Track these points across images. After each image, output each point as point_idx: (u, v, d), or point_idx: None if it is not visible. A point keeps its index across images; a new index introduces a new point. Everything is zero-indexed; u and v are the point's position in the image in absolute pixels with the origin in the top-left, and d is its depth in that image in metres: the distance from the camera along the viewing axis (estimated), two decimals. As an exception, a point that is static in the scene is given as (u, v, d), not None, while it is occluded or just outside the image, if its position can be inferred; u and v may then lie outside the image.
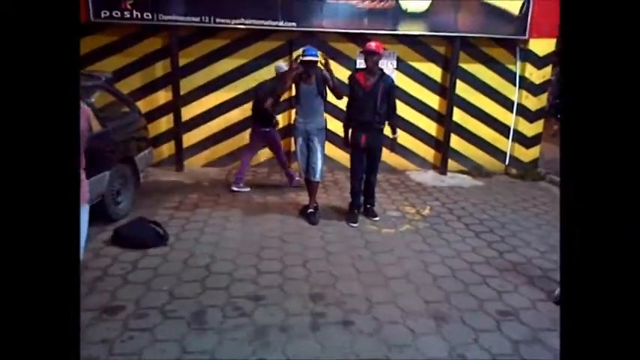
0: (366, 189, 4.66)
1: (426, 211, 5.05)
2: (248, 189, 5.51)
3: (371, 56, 4.19)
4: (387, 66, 6.35)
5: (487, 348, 2.65)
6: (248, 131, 6.44)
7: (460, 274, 3.56)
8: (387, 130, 4.52)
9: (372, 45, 4.21)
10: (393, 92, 4.37)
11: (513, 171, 6.77)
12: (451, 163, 6.74)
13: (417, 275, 3.52)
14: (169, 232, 4.06)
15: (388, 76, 4.36)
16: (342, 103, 4.63)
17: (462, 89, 6.56)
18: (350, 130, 4.51)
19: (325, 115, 4.62)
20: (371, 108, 4.25)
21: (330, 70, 4.29)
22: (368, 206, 4.74)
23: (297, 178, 5.60)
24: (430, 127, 6.74)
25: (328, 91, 4.44)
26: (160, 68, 6.19)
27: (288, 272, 3.48)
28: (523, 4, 6.09)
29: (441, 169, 6.69)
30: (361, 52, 4.46)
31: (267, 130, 5.36)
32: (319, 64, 4.32)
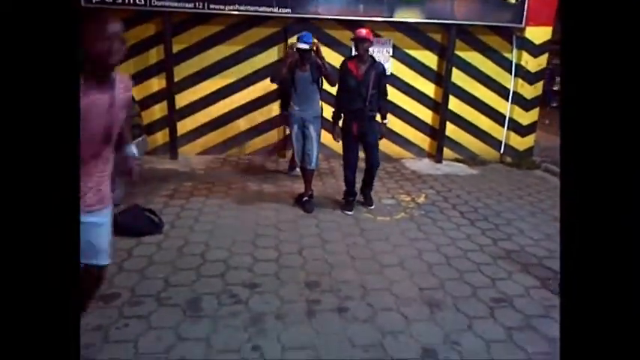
0: (365, 177, 4.65)
1: (421, 199, 5.06)
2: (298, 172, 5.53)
3: (362, 43, 4.16)
4: (383, 53, 6.31)
5: (481, 334, 2.67)
6: (243, 118, 6.44)
7: (454, 262, 3.58)
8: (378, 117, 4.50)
9: (363, 32, 4.18)
10: (384, 79, 4.34)
11: (508, 159, 6.79)
12: (446, 152, 6.75)
13: (412, 263, 3.54)
14: (164, 220, 4.05)
15: (379, 63, 4.33)
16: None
17: (457, 77, 6.54)
18: (341, 119, 4.48)
19: (321, 102, 4.60)
20: (362, 96, 4.22)
21: (322, 58, 4.27)
22: (365, 192, 4.73)
23: (297, 169, 5.60)
24: (426, 115, 6.72)
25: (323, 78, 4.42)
26: (153, 55, 6.12)
27: (283, 260, 3.49)
28: (520, -9, 6.06)
29: (437, 157, 6.70)
30: (352, 39, 4.42)
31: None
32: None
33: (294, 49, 4.30)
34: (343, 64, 4.38)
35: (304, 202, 4.58)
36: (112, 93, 1.89)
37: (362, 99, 4.23)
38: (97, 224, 2.07)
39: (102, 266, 2.15)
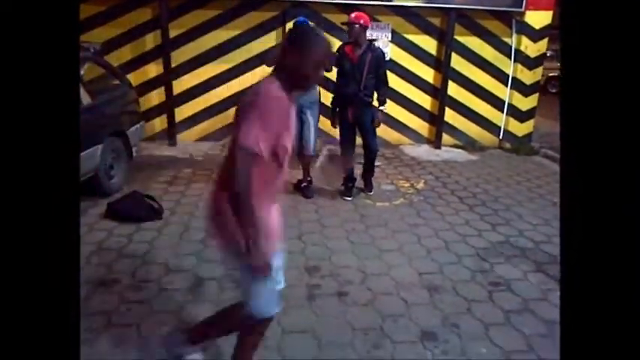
0: (364, 163, 4.64)
1: (420, 185, 5.07)
2: None
3: (350, 27, 4.17)
4: (382, 38, 6.26)
5: (479, 317, 2.71)
6: (241, 105, 6.39)
7: (453, 247, 3.60)
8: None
9: (352, 16, 4.21)
10: (382, 64, 4.30)
11: (507, 145, 6.79)
12: (445, 138, 6.74)
13: (411, 248, 3.56)
14: (164, 206, 4.05)
15: (377, 48, 4.31)
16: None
17: (457, 62, 6.49)
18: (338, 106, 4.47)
19: (319, 88, 4.57)
20: (357, 80, 4.21)
21: None
22: (366, 177, 4.72)
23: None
24: (425, 100, 6.70)
25: None
26: (150, 40, 6.05)
27: (283, 245, 3.50)
28: (520, -26, 5.99)
29: (436, 143, 6.69)
30: (342, 23, 4.43)
31: None
32: None
33: None
34: (340, 47, 4.36)
35: (303, 188, 4.58)
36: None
37: (356, 83, 4.21)
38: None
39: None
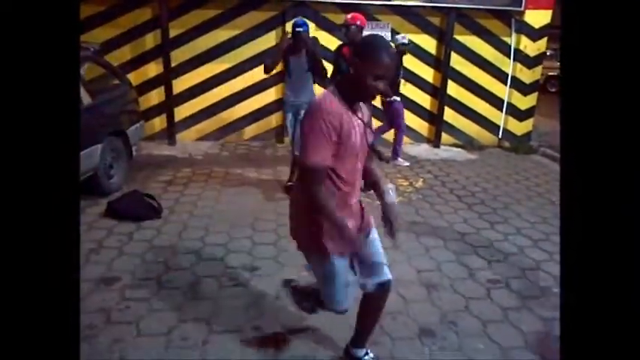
0: None
1: (419, 184, 5.08)
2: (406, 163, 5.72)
3: (347, 29, 4.23)
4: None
5: (477, 314, 2.72)
6: (241, 104, 6.41)
7: (451, 245, 3.62)
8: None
9: (348, 17, 4.28)
10: None
11: (506, 144, 6.80)
12: (445, 137, 6.75)
13: (409, 245, 3.57)
14: (163, 205, 4.07)
15: None
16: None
17: (456, 62, 6.51)
18: None
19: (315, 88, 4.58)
20: None
21: (317, 45, 4.33)
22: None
23: (399, 159, 5.74)
24: (424, 100, 6.71)
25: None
26: (150, 39, 6.07)
27: (282, 244, 3.51)
28: (519, -26, 6.00)
29: (435, 142, 6.70)
30: (340, 25, 4.49)
31: (391, 100, 5.26)
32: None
33: (288, 36, 4.33)
34: (338, 48, 4.40)
35: (289, 187, 4.54)
36: (360, 117, 1.86)
37: None
38: (377, 239, 2.14)
39: (389, 280, 2.09)
